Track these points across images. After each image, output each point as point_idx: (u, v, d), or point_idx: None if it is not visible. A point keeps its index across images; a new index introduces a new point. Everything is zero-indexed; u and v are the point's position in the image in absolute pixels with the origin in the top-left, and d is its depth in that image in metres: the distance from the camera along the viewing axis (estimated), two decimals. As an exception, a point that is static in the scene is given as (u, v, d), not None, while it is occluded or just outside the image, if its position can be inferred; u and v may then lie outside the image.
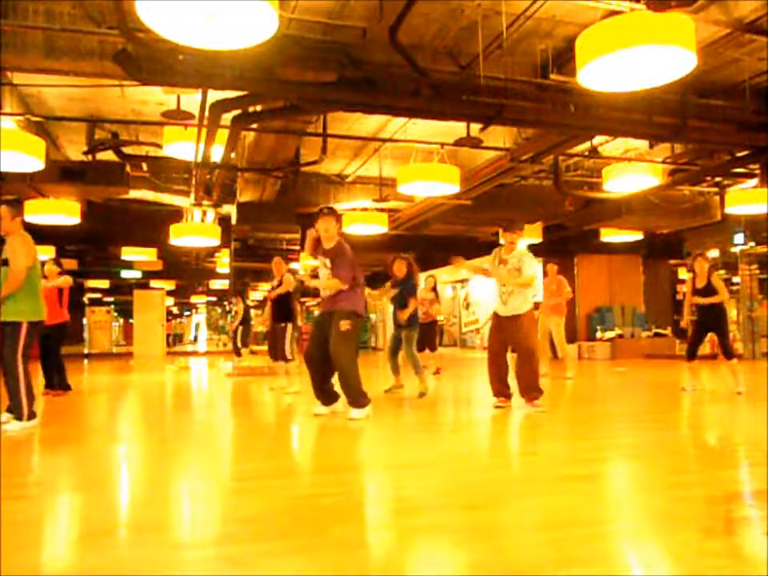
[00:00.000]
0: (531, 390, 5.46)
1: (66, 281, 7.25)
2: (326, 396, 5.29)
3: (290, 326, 7.43)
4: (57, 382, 7.20)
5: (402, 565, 2.08)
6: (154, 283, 22.41)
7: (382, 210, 11.16)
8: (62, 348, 7.38)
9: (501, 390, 5.64)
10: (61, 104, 8.10)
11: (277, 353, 7.54)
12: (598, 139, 8.88)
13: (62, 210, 9.21)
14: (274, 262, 7.63)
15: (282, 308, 7.46)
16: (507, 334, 5.54)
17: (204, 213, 11.69)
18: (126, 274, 20.26)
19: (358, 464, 3.76)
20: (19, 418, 4.65)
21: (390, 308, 7.30)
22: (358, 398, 5.03)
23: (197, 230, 11.28)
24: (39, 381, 7.17)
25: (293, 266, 13.42)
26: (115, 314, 29.49)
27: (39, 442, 4.44)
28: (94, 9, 5.31)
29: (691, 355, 7.02)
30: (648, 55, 4.37)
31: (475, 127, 7.53)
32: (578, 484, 2.99)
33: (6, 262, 4.71)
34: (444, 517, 2.50)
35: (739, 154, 8.52)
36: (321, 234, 5.19)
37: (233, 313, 13.32)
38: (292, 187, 10.62)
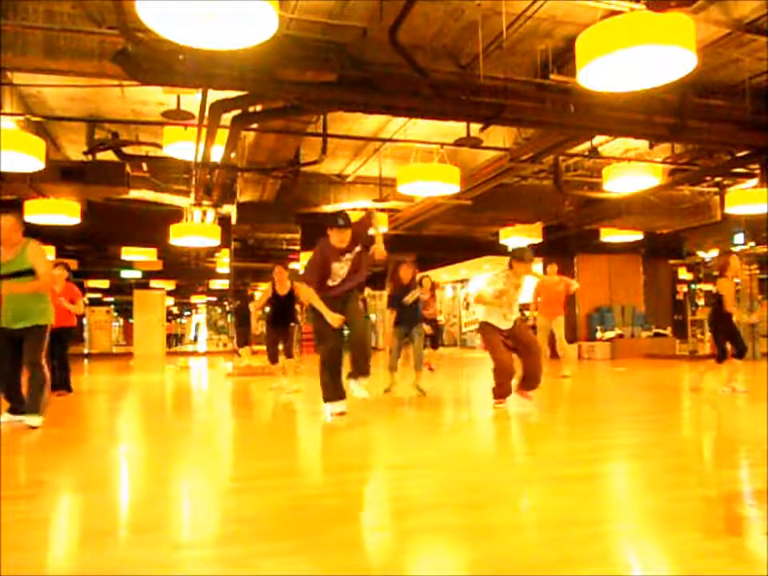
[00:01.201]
0: (536, 383, 5.56)
1: (78, 309, 7.35)
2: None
3: (296, 326, 7.57)
4: (61, 382, 7.27)
5: (402, 565, 2.08)
6: (154, 283, 22.40)
7: (382, 209, 11.15)
8: (68, 349, 7.53)
9: (509, 391, 5.63)
10: (61, 104, 8.10)
11: (288, 352, 7.63)
12: (598, 139, 8.88)
13: (62, 210, 9.21)
14: (279, 272, 7.48)
15: (291, 310, 7.57)
16: (513, 338, 5.58)
17: (204, 213, 11.67)
18: (126, 273, 20.25)
19: (358, 464, 3.75)
20: (39, 412, 4.82)
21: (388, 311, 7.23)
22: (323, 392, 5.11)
23: (197, 230, 11.27)
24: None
25: (293, 266, 13.41)
26: (115, 314, 29.47)
27: (40, 442, 4.44)
28: (93, 9, 5.31)
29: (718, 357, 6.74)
30: (648, 55, 4.37)
31: (475, 127, 7.52)
32: (578, 484, 2.99)
33: (30, 272, 4.79)
34: (444, 517, 2.50)
35: (739, 154, 8.51)
36: (339, 242, 5.08)
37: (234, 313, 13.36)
38: (292, 187, 10.61)
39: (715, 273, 6.67)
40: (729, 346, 6.59)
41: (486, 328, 5.66)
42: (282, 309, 7.49)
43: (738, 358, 6.54)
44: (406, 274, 6.82)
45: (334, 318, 4.94)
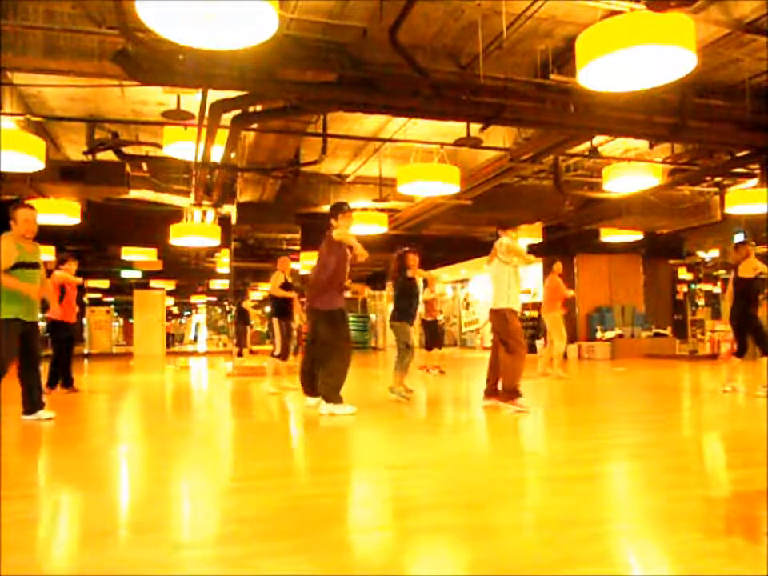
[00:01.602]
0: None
1: (77, 279, 7.73)
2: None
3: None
4: (66, 379, 7.53)
5: (401, 565, 2.08)
6: (154, 283, 22.40)
7: (382, 210, 11.15)
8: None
9: None
10: (61, 104, 8.10)
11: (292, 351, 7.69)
12: (598, 139, 8.87)
13: (62, 210, 9.21)
14: (284, 261, 7.68)
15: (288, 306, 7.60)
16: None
17: (204, 213, 11.67)
18: (126, 273, 20.24)
19: (358, 464, 3.76)
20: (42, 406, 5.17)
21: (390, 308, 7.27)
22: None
23: (197, 230, 11.27)
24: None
25: (293, 266, 13.45)
26: (115, 314, 29.46)
27: (40, 442, 4.44)
28: (93, 9, 5.31)
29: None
30: (648, 55, 4.37)
31: (475, 127, 7.52)
32: (578, 484, 2.99)
33: (38, 265, 5.02)
34: (444, 517, 2.50)
35: (739, 154, 8.51)
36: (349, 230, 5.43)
37: (233, 313, 13.38)
38: (292, 187, 10.61)
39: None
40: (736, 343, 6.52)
41: (513, 315, 5.50)
42: (288, 300, 7.53)
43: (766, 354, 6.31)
44: (414, 263, 6.73)
45: None
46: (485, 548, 2.14)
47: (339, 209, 5.46)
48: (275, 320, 7.51)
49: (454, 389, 8.48)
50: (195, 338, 40.19)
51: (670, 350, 14.39)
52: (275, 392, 7.30)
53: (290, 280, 7.59)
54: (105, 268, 19.87)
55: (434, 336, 10.31)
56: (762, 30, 5.93)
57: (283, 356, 7.62)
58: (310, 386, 5.66)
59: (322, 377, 5.35)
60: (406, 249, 6.81)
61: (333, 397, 5.23)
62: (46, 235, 11.79)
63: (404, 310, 6.64)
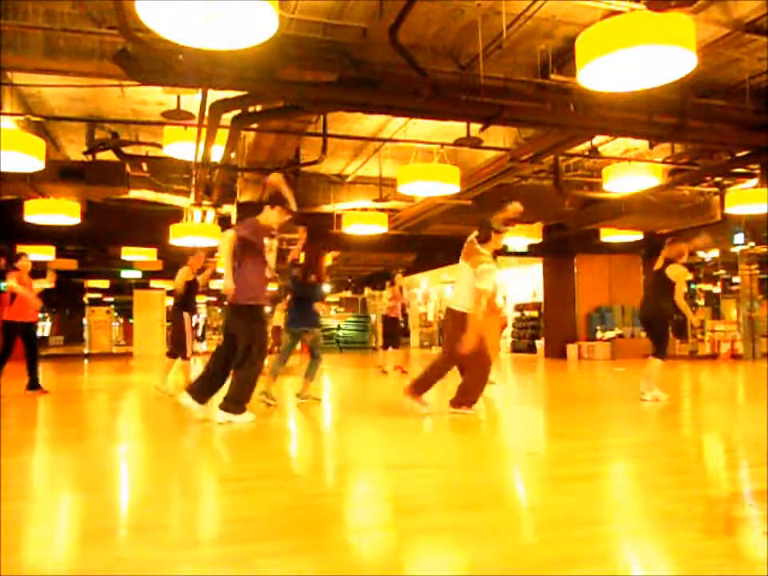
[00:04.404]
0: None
1: (48, 281, 7.67)
2: None
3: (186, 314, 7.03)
4: (32, 381, 7.28)
5: (401, 565, 2.08)
6: (153, 283, 22.40)
7: (382, 209, 11.15)
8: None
9: None
10: (61, 104, 8.09)
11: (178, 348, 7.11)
12: (598, 139, 8.87)
13: (62, 210, 9.20)
14: (199, 258, 7.43)
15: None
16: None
17: (204, 213, 11.67)
18: (126, 274, 20.25)
19: (357, 464, 3.75)
20: None
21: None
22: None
23: (197, 230, 11.27)
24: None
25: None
26: (115, 314, 29.46)
27: (39, 442, 4.44)
28: (94, 9, 5.31)
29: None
30: (648, 55, 4.37)
31: (475, 127, 7.52)
32: (578, 484, 2.99)
33: None
34: (444, 517, 2.50)
35: (739, 154, 8.51)
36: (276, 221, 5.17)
37: None
38: (292, 187, 10.60)
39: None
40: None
41: (473, 320, 5.03)
42: (195, 293, 7.31)
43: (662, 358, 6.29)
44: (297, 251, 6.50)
45: None
46: (485, 548, 2.14)
47: (281, 200, 5.23)
48: (186, 314, 6.99)
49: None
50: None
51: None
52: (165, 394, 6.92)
53: (198, 277, 7.25)
54: (105, 268, 19.88)
55: (394, 334, 10.43)
56: (762, 29, 5.93)
57: (185, 354, 7.07)
58: (206, 391, 5.05)
59: (230, 384, 4.91)
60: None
61: (234, 408, 4.86)
62: (46, 235, 11.89)
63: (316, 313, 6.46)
